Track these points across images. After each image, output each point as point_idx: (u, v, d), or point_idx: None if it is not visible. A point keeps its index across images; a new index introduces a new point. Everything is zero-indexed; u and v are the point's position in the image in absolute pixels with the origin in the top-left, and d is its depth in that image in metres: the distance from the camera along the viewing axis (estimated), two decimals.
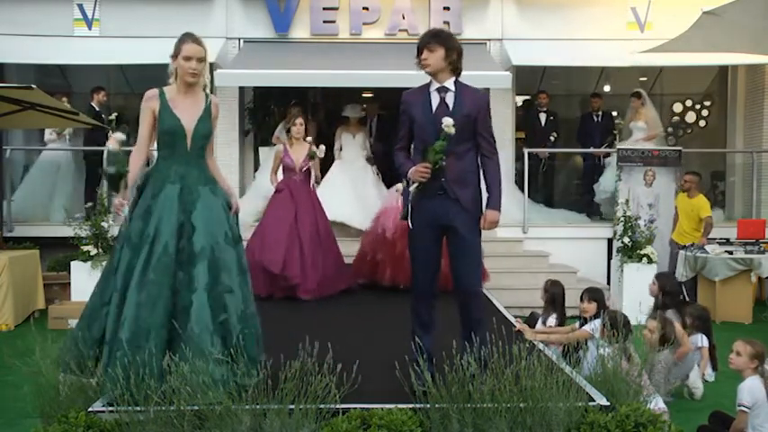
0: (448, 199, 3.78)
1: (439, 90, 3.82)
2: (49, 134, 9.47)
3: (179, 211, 3.65)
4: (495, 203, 3.81)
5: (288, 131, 7.14)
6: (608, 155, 9.83)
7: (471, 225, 3.81)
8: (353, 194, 8.73)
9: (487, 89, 9.09)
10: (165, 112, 3.69)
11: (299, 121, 7.05)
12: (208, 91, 3.88)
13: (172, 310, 3.56)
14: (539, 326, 5.77)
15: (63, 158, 9.57)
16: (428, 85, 3.87)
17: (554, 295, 5.77)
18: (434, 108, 3.80)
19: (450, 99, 3.80)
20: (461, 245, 3.80)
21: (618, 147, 9.11)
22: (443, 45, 3.77)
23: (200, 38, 3.80)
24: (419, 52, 3.82)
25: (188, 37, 3.75)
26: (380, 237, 7.15)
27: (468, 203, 3.79)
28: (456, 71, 3.83)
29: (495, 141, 3.89)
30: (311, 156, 6.89)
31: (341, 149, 9.16)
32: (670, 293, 5.40)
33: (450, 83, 3.81)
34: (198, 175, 3.77)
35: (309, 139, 7.07)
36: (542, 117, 10.19)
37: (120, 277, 3.60)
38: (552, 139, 10.18)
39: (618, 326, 4.30)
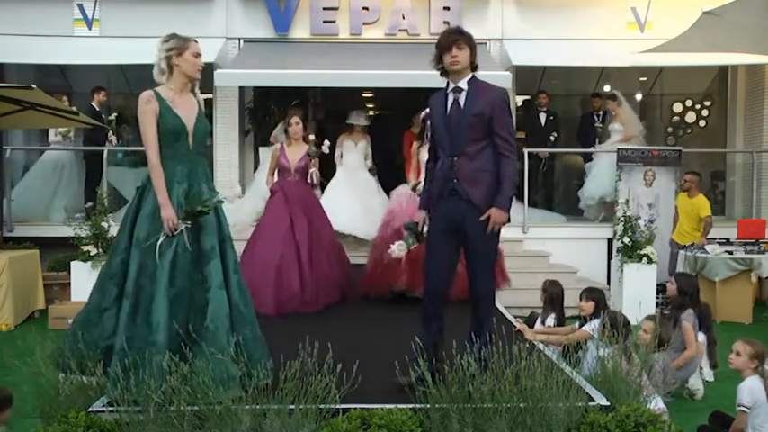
0: (460, 200, 3.76)
1: (454, 90, 3.82)
2: (53, 135, 9.46)
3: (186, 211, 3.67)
4: (501, 202, 3.72)
5: (286, 131, 6.91)
6: (590, 159, 9.78)
7: (483, 225, 3.73)
8: (359, 203, 8.52)
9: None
10: (167, 112, 3.69)
11: (295, 120, 6.74)
12: (197, 90, 3.89)
13: (190, 309, 3.60)
14: (537, 326, 5.77)
15: (63, 158, 9.56)
16: (446, 87, 3.88)
17: (553, 295, 5.77)
18: (448, 109, 3.81)
19: (462, 99, 3.79)
20: (472, 246, 3.78)
21: (618, 147, 9.10)
22: (469, 44, 3.81)
23: None
24: (447, 50, 3.77)
25: (186, 37, 3.78)
26: (392, 238, 6.40)
27: (480, 203, 3.73)
28: (474, 69, 3.86)
29: (514, 140, 3.80)
30: (311, 155, 6.61)
31: (341, 157, 8.94)
32: (688, 294, 5.41)
33: (464, 82, 3.81)
34: (201, 173, 3.81)
35: (312, 138, 6.85)
36: (542, 117, 10.19)
37: (132, 281, 3.58)
38: (552, 139, 10.18)
39: (618, 326, 4.29)
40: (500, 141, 3.75)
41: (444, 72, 3.86)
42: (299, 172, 6.63)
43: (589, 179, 9.63)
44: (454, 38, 3.78)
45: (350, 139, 8.97)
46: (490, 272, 3.90)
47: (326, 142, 6.95)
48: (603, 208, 9.44)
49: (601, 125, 10.00)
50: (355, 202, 8.52)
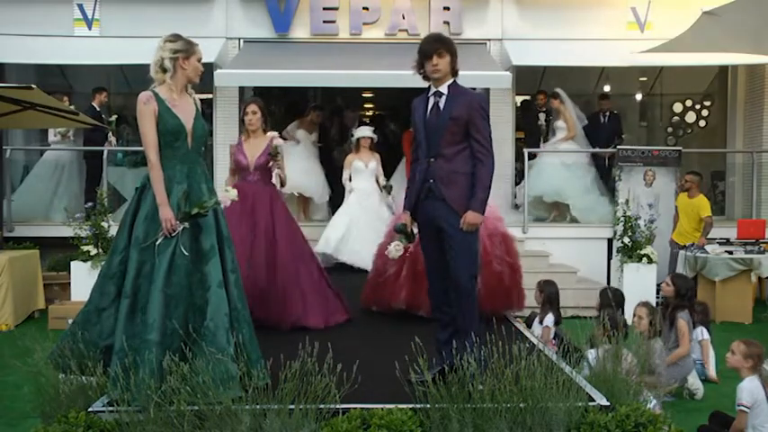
0: (436, 200, 3.86)
1: (435, 94, 3.91)
2: (53, 136, 9.45)
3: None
4: (475, 205, 3.80)
5: (242, 122, 5.75)
6: (534, 155, 9.56)
7: (459, 224, 3.80)
8: (368, 232, 7.68)
9: (487, 89, 9.10)
10: (166, 113, 3.69)
11: (252, 108, 5.58)
12: (191, 90, 3.90)
13: (189, 309, 3.61)
14: (535, 326, 5.78)
15: (63, 159, 9.56)
16: (428, 90, 3.96)
17: (550, 295, 5.80)
18: (428, 112, 3.91)
19: (442, 103, 3.88)
20: (449, 242, 3.83)
21: (618, 147, 9.10)
22: (449, 51, 3.87)
23: None
24: (428, 58, 3.84)
25: (190, 40, 3.79)
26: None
27: (455, 204, 3.81)
28: (455, 74, 3.92)
29: (490, 144, 3.86)
30: (273, 154, 5.47)
31: (350, 179, 8.36)
32: (684, 296, 5.43)
33: (444, 87, 3.89)
34: (200, 174, 3.82)
35: (274, 134, 5.64)
36: (542, 117, 10.18)
37: (131, 280, 3.59)
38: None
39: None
40: (476, 145, 3.84)
41: (426, 77, 3.93)
42: (259, 170, 5.50)
43: (529, 178, 9.34)
44: (435, 46, 3.84)
45: (359, 160, 8.33)
46: (469, 265, 3.85)
47: (273, 133, 5.64)
48: (554, 208, 9.34)
49: (542, 123, 9.95)
50: (364, 230, 7.90)
